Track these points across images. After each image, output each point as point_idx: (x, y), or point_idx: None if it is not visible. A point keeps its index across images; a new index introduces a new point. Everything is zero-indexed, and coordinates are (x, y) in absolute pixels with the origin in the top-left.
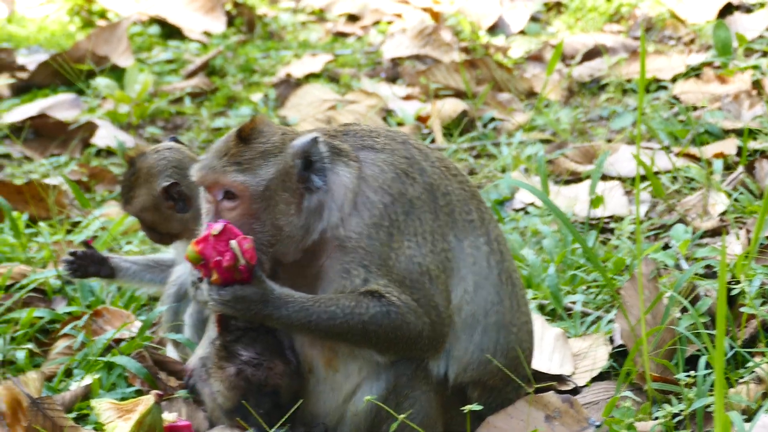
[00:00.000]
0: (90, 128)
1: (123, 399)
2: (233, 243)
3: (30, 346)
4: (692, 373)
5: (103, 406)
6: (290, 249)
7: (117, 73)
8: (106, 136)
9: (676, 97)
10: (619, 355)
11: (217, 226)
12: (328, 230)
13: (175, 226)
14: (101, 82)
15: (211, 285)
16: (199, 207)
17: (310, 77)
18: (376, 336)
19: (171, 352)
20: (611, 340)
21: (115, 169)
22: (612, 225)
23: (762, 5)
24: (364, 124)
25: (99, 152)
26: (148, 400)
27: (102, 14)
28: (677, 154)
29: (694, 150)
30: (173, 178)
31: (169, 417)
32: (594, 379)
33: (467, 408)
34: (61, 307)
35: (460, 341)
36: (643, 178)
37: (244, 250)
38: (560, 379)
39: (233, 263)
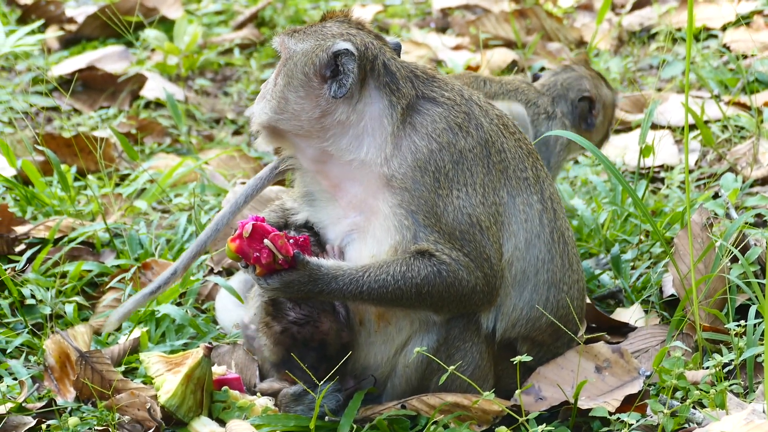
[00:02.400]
0: (139, 80)
1: (172, 352)
2: (267, 242)
3: (78, 299)
4: (742, 322)
5: (152, 360)
6: (302, 133)
7: (166, 25)
8: (155, 88)
9: (726, 46)
10: (669, 305)
11: (248, 227)
12: (372, 165)
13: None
14: (150, 33)
15: (257, 276)
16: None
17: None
18: (430, 296)
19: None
20: (661, 291)
21: (164, 121)
22: (662, 174)
23: None
24: (444, 76)
25: (148, 104)
26: (198, 352)
27: None
28: (727, 103)
29: (744, 99)
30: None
31: (218, 370)
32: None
33: (517, 359)
34: (110, 260)
35: (510, 297)
36: (693, 127)
37: (279, 246)
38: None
39: (271, 259)
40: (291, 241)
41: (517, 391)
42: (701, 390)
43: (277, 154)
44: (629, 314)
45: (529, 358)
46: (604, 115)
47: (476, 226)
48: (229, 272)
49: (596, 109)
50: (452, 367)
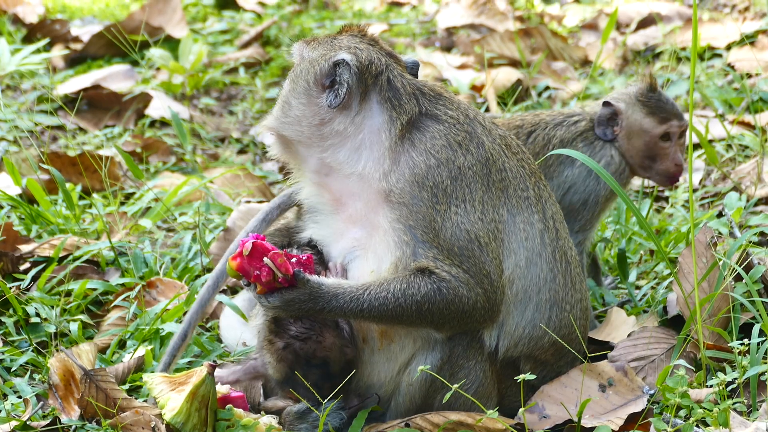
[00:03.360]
0: (144, 99)
1: (176, 370)
2: (267, 260)
3: (83, 317)
4: (746, 341)
5: (155, 380)
6: (303, 140)
7: (171, 44)
8: (160, 107)
9: (730, 65)
10: (672, 323)
11: (248, 245)
12: (371, 180)
13: None
14: (155, 52)
15: (258, 294)
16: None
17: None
18: (431, 314)
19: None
20: (665, 310)
21: (169, 140)
22: (666, 193)
23: None
24: (451, 94)
25: (153, 123)
26: (201, 371)
27: None
28: (732, 122)
29: (748, 118)
30: None
31: (222, 389)
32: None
33: (521, 378)
34: (115, 279)
35: (511, 316)
36: (698, 146)
37: (279, 265)
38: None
39: (271, 278)
40: (294, 259)
41: (521, 410)
42: (705, 408)
43: (282, 173)
44: (625, 327)
45: (532, 377)
46: (630, 141)
47: (475, 242)
48: (233, 290)
49: (619, 126)
50: (456, 386)
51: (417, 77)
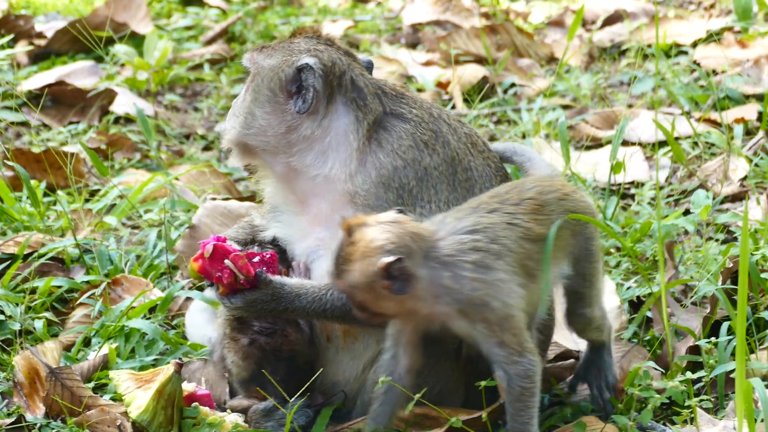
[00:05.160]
0: (109, 95)
1: (142, 368)
2: (228, 263)
3: (48, 315)
4: (713, 339)
5: (121, 377)
6: (269, 149)
7: (136, 40)
8: (124, 103)
9: (696, 62)
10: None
11: (209, 247)
12: (336, 182)
13: (389, 307)
14: (120, 49)
15: (220, 295)
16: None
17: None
18: None
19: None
20: (630, 304)
21: (134, 136)
22: (633, 191)
23: None
24: (414, 93)
25: (117, 120)
26: (168, 369)
27: None
28: (698, 120)
29: (714, 115)
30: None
31: (188, 386)
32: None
33: (482, 384)
34: (80, 276)
35: None
36: (664, 144)
37: (240, 267)
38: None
39: (233, 279)
40: (257, 258)
41: (484, 414)
42: (675, 408)
43: (248, 170)
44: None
45: (495, 383)
46: None
47: None
48: (200, 287)
49: None
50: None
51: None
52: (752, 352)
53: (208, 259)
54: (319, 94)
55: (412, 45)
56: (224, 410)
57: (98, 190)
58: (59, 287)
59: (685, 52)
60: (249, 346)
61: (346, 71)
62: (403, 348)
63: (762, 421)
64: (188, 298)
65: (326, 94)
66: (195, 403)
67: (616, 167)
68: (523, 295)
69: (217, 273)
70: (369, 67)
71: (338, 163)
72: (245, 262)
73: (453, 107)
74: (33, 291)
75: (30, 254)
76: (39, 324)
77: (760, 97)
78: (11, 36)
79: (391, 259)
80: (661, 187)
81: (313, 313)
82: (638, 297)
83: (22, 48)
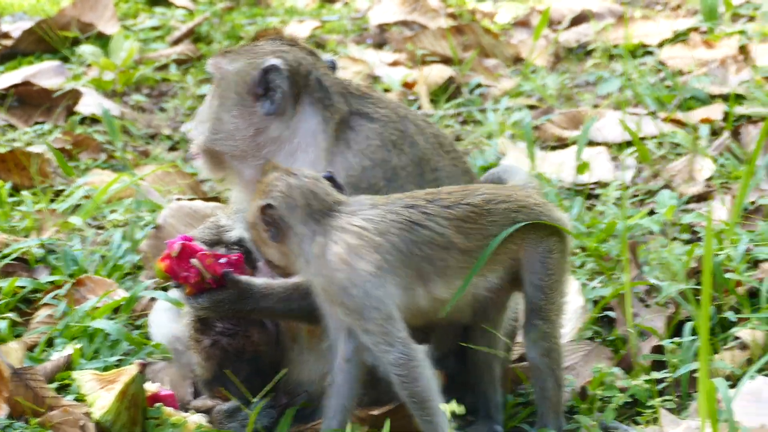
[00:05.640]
0: (74, 96)
1: (106, 368)
2: (195, 262)
3: (11, 315)
4: (677, 339)
5: (85, 377)
6: (237, 154)
7: (102, 41)
8: (90, 103)
9: (662, 63)
10: (604, 320)
11: (176, 247)
12: None
13: (271, 254)
14: (86, 49)
15: (186, 296)
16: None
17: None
18: None
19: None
20: (595, 304)
21: (100, 137)
22: (598, 191)
23: None
24: (379, 93)
25: (83, 120)
26: (131, 369)
27: None
28: (663, 120)
29: (680, 115)
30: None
31: (151, 387)
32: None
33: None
34: (44, 277)
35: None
36: (629, 144)
37: (207, 266)
38: None
39: (200, 279)
40: (224, 259)
41: (453, 407)
42: (638, 407)
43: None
44: None
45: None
46: None
47: None
48: (165, 288)
49: None
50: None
51: None
52: (716, 352)
53: (175, 259)
54: (286, 95)
55: (379, 45)
56: (188, 411)
57: (63, 191)
58: (23, 287)
59: (652, 53)
60: (211, 347)
61: (312, 71)
62: (339, 336)
63: (725, 421)
64: (153, 299)
65: (293, 94)
66: (158, 404)
67: (582, 167)
68: (401, 295)
69: (183, 273)
70: (332, 66)
71: (307, 164)
72: (212, 262)
73: (419, 107)
74: None
75: None
76: (3, 324)
77: (725, 98)
78: None
79: (264, 203)
80: (627, 187)
81: (279, 313)
82: (602, 297)
83: None
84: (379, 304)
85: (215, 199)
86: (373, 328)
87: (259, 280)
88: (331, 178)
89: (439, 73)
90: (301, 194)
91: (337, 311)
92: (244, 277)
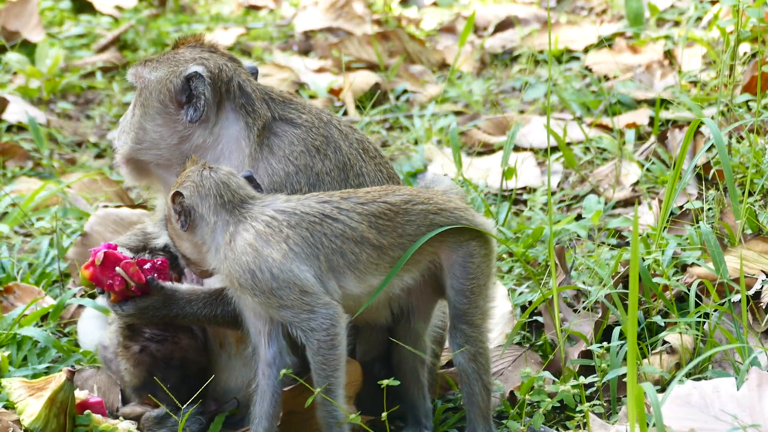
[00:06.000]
0: (1, 104)
1: (34, 376)
2: (119, 270)
3: None
4: (605, 344)
5: (13, 385)
6: (162, 162)
7: (28, 48)
8: (17, 111)
9: (588, 68)
10: (532, 325)
11: (99, 255)
12: None
13: (185, 247)
14: (12, 57)
15: (112, 303)
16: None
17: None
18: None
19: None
20: (523, 309)
21: (26, 144)
22: (525, 196)
23: None
24: (302, 100)
25: (10, 128)
26: (60, 376)
27: None
28: (589, 125)
29: (606, 120)
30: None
31: (80, 394)
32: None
33: (384, 383)
34: None
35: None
36: (556, 149)
37: (131, 274)
38: None
39: (124, 287)
40: (149, 265)
41: (384, 414)
42: (567, 412)
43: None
44: None
45: (396, 383)
46: None
47: None
48: (92, 295)
49: None
50: (318, 390)
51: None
52: (645, 356)
53: (99, 267)
54: (209, 102)
55: (305, 52)
56: (117, 417)
57: None
58: None
59: (577, 58)
60: (140, 353)
61: (234, 77)
62: (259, 340)
63: (654, 425)
64: (80, 306)
65: (216, 101)
66: (87, 411)
67: (508, 173)
68: (313, 283)
69: (108, 281)
70: (254, 73)
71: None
72: (136, 269)
73: (345, 113)
74: None
75: None
76: None
77: (651, 102)
78: None
79: (174, 191)
80: (553, 193)
81: (204, 318)
82: (530, 302)
83: None
84: (289, 282)
85: (142, 206)
86: (289, 302)
87: (184, 286)
88: (250, 178)
89: (365, 79)
90: (214, 185)
91: (247, 298)
92: (168, 284)
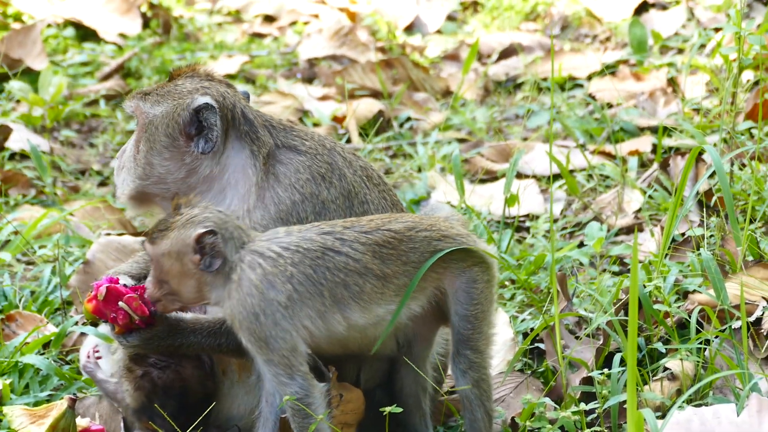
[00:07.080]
0: (4, 132)
1: (36, 403)
2: (122, 305)
3: None
4: (606, 370)
5: (15, 413)
6: (167, 195)
7: (31, 76)
8: (20, 139)
9: (591, 95)
10: (534, 351)
11: (102, 290)
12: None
13: (187, 285)
14: (15, 85)
15: (116, 334)
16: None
17: (227, 78)
18: None
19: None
20: (525, 336)
21: (29, 172)
22: (527, 224)
23: (677, 2)
24: (303, 126)
25: (13, 156)
26: (62, 404)
27: (17, 17)
28: (592, 152)
29: (609, 148)
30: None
31: (82, 422)
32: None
33: (387, 410)
34: None
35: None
36: (558, 177)
37: (134, 308)
38: None
39: (128, 320)
40: None
41: None
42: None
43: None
44: None
45: (399, 410)
46: None
47: None
48: (94, 323)
49: None
50: (320, 416)
51: None
52: (646, 383)
53: (102, 301)
54: (219, 131)
55: (309, 80)
56: None
57: None
58: None
59: (581, 85)
60: (141, 378)
61: (236, 104)
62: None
63: None
64: (83, 333)
65: (223, 130)
66: None
67: (511, 200)
68: (317, 321)
69: (111, 314)
70: (246, 97)
71: (236, 199)
72: (139, 303)
73: (348, 141)
74: None
75: None
76: None
77: (654, 130)
78: None
79: (205, 229)
80: (556, 220)
81: (208, 347)
82: (531, 329)
83: None
84: (285, 335)
85: (144, 233)
86: (277, 359)
87: (188, 316)
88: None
89: (368, 107)
90: (233, 226)
91: (242, 337)
92: (172, 314)
